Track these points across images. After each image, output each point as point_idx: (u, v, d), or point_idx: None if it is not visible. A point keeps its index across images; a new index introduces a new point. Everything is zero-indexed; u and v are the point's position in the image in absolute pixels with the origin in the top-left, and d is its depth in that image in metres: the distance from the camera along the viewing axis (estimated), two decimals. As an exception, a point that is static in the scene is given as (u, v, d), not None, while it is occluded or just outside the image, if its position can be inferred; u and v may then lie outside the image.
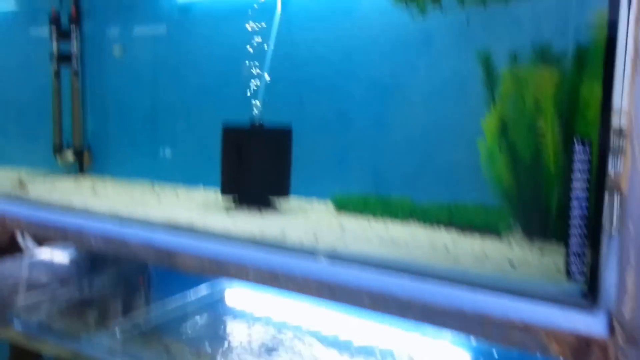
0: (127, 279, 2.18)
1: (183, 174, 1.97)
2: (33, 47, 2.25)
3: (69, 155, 2.19)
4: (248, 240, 1.27)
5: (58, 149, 2.18)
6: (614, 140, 0.79)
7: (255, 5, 1.70)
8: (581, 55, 1.11)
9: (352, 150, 1.65)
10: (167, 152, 2.04)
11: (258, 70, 1.67)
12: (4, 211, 1.66)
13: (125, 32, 2.09)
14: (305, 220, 1.43)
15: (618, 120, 0.78)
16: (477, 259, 1.09)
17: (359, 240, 1.23)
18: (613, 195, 0.80)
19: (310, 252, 1.18)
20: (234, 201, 1.60)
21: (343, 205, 1.55)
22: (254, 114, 1.66)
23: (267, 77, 1.66)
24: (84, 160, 2.20)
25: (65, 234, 1.52)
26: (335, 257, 1.16)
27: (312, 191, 1.70)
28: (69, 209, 1.59)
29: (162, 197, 1.75)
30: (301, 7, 1.70)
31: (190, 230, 1.36)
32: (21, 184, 1.78)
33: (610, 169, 0.80)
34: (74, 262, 2.35)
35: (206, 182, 1.90)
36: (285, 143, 1.58)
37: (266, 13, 1.69)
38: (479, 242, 1.22)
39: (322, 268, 1.12)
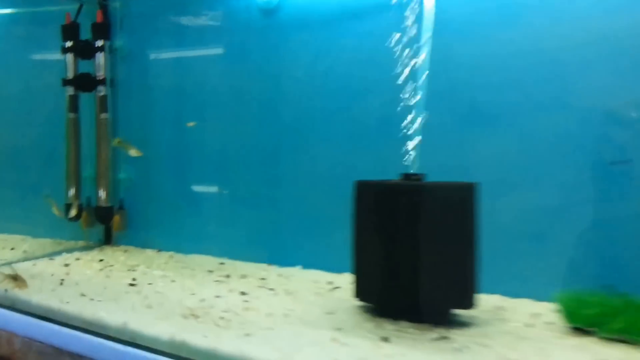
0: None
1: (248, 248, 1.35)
2: (38, 70, 1.63)
3: (92, 220, 1.55)
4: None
5: (78, 213, 1.53)
6: None
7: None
8: None
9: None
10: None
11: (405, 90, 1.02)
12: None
13: (175, 46, 1.46)
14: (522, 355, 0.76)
15: None
16: None
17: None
18: None
19: None
20: (378, 309, 0.94)
21: (575, 314, 0.88)
22: (404, 161, 1.00)
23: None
24: (114, 225, 1.55)
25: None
26: None
27: (508, 288, 1.04)
28: (97, 327, 0.93)
29: (252, 299, 1.07)
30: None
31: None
32: (15, 278, 1.11)
33: None
34: None
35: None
36: (470, 210, 0.91)
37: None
38: None
39: None
